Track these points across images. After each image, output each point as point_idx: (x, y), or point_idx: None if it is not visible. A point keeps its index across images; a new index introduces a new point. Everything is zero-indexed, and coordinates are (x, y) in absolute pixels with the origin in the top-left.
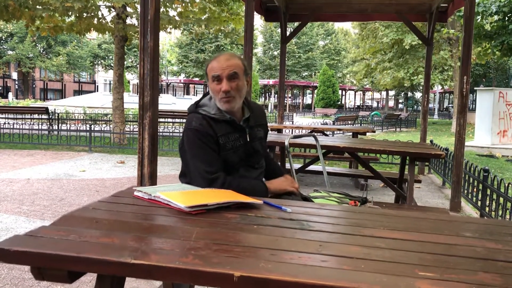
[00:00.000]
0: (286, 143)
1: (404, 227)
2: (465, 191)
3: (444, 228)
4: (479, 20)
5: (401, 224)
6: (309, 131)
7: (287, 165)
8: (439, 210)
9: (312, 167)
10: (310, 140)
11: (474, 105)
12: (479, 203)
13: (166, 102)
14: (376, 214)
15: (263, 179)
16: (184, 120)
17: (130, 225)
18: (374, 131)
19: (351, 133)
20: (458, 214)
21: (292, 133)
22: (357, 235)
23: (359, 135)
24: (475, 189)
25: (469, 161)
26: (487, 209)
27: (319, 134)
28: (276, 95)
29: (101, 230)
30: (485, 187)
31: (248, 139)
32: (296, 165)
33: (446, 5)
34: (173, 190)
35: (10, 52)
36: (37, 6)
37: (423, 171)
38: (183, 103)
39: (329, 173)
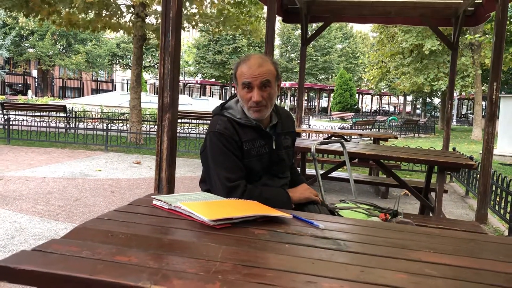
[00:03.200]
0: (313, 149)
1: (454, 250)
2: (491, 202)
3: (498, 253)
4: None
5: (449, 247)
6: (328, 135)
7: (307, 171)
8: (470, 224)
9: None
10: (334, 146)
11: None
12: (508, 215)
13: (182, 102)
14: (418, 233)
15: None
16: (201, 121)
17: (149, 241)
18: (396, 138)
19: (368, 138)
20: (494, 235)
21: (308, 137)
22: (401, 258)
23: (380, 141)
24: (502, 200)
25: (496, 171)
26: None
27: (337, 138)
28: (292, 98)
29: (117, 245)
30: None
31: (274, 147)
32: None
33: (473, 9)
34: (194, 200)
35: (30, 50)
36: (58, 2)
37: (445, 179)
38: (199, 104)
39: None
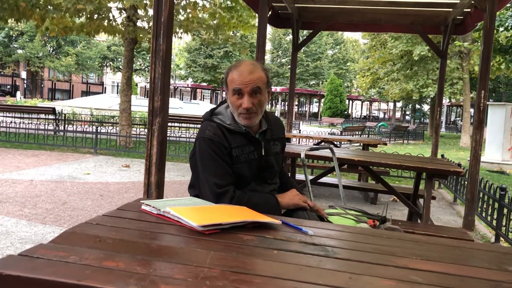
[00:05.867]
0: (302, 155)
1: (439, 257)
2: (479, 209)
3: (483, 260)
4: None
5: (435, 253)
6: (318, 141)
7: (297, 176)
8: (458, 230)
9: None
10: (324, 152)
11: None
12: (494, 222)
13: (173, 106)
14: (405, 240)
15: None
16: (191, 125)
17: (137, 246)
18: (386, 144)
19: (358, 144)
20: (480, 242)
21: (299, 142)
22: (389, 265)
23: (369, 147)
24: (490, 207)
25: (483, 178)
26: (503, 229)
27: (326, 144)
28: (282, 103)
29: (105, 251)
30: (502, 207)
31: (263, 153)
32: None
33: (462, 17)
34: (183, 205)
35: (19, 51)
36: (49, 7)
37: (433, 186)
38: (190, 107)
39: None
